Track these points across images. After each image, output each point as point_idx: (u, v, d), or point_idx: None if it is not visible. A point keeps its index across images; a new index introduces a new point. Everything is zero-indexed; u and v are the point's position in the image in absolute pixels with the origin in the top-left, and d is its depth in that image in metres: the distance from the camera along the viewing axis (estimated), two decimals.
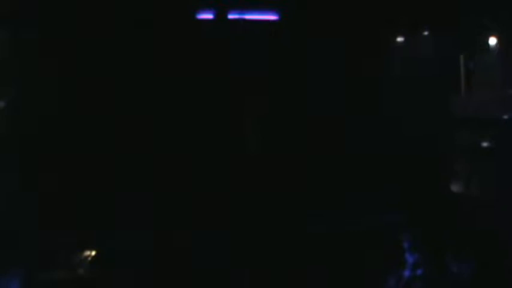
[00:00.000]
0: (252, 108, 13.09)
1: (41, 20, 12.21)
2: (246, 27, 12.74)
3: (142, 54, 12.53)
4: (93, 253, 11.17)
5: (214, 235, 11.33)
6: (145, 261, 10.91)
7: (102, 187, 12.10)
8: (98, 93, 12.38)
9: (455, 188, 12.78)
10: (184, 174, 12.36)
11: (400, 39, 13.90)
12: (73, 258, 11.10)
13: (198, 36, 12.63)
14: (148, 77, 12.57)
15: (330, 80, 13.08)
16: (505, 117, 12.53)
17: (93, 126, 12.44)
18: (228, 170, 12.56)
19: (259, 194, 12.23)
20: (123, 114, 12.45)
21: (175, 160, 12.43)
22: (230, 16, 12.73)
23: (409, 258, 10.27)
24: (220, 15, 12.66)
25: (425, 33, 13.72)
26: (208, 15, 12.81)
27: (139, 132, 12.48)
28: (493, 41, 13.20)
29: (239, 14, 12.75)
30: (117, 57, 12.43)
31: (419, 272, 10.06)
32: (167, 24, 12.51)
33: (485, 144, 12.82)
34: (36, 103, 12.25)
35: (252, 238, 11.34)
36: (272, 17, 13.02)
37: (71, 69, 12.36)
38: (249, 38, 12.75)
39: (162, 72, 12.59)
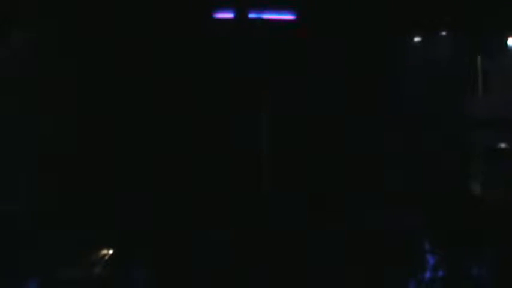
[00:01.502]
0: (267, 107, 13.05)
1: None
2: (263, 26, 12.69)
3: (159, 53, 12.53)
4: (111, 252, 11.17)
5: (234, 234, 11.31)
6: (163, 261, 10.91)
7: (120, 186, 12.11)
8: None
9: (473, 189, 12.73)
10: (203, 174, 12.37)
11: (417, 39, 13.82)
12: (90, 257, 11.10)
13: (215, 36, 12.61)
14: (165, 78, 12.56)
15: (347, 79, 13.03)
16: None
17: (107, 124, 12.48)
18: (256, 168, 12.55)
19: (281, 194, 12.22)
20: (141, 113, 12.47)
21: (194, 159, 12.44)
22: (249, 15, 12.69)
23: (430, 260, 10.24)
24: (240, 15, 12.61)
25: (443, 33, 13.64)
26: (226, 15, 12.77)
27: (155, 130, 12.50)
28: (511, 41, 13.20)
29: (257, 13, 12.71)
30: (134, 55, 12.43)
31: (440, 273, 10.02)
32: (184, 23, 12.49)
33: (503, 145, 12.80)
34: None
35: (272, 237, 11.32)
36: (290, 16, 12.97)
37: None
38: (266, 38, 12.70)
39: (178, 72, 12.58)
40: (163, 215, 11.89)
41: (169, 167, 12.41)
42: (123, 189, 12.11)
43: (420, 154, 12.93)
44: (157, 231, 11.57)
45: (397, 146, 12.96)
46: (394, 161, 12.81)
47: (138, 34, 12.41)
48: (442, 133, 13.11)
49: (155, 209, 11.94)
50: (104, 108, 12.49)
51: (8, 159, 11.96)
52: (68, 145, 12.34)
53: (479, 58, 13.39)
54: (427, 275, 10.01)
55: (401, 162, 12.81)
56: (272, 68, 12.77)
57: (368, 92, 13.13)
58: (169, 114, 12.58)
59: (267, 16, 12.74)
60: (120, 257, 11.13)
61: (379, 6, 12.77)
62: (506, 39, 13.22)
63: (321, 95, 13.00)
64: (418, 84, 13.37)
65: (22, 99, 12.20)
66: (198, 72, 12.60)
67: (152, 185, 12.25)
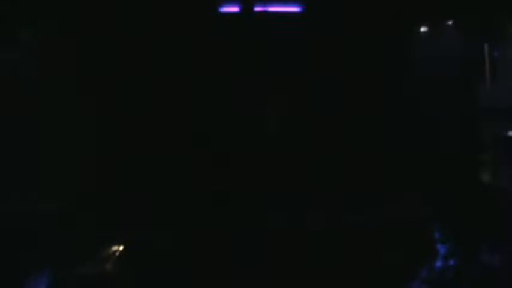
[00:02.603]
0: (277, 104, 13.05)
1: None
2: (269, 19, 12.68)
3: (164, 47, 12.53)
4: (121, 248, 11.18)
5: (251, 234, 11.31)
6: (173, 259, 10.93)
7: (130, 184, 12.15)
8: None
9: (483, 179, 12.71)
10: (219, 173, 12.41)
11: (424, 29, 13.78)
12: (100, 253, 11.12)
13: (221, 30, 12.61)
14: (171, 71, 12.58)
15: (354, 72, 13.01)
16: None
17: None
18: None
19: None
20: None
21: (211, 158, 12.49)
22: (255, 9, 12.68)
23: (441, 249, 10.23)
24: (246, 8, 12.60)
25: (449, 22, 13.60)
26: (232, 8, 12.76)
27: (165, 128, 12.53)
28: None
29: (262, 6, 12.70)
30: (135, 51, 12.45)
31: (451, 262, 10.00)
32: (191, 17, 12.49)
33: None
34: None
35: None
36: (295, 9, 12.95)
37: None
38: (272, 31, 12.68)
39: (183, 68, 12.58)
40: (167, 213, 11.91)
41: (171, 166, 12.46)
42: (125, 188, 12.17)
43: (431, 144, 12.92)
44: (160, 230, 11.60)
45: (408, 136, 12.95)
46: (404, 149, 12.80)
47: (144, 28, 12.43)
48: (452, 122, 13.10)
49: (157, 207, 11.97)
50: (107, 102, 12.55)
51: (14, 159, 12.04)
52: (78, 144, 12.42)
53: (486, 47, 13.37)
54: (439, 263, 10.00)
55: (412, 151, 12.78)
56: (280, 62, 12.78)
57: (375, 83, 13.13)
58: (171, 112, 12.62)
59: (272, 9, 12.76)
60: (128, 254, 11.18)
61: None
62: None
63: (328, 87, 13.00)
64: (425, 74, 13.36)
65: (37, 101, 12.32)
66: (204, 68, 12.61)
67: (155, 183, 12.30)
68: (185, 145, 12.60)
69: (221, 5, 12.64)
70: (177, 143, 12.58)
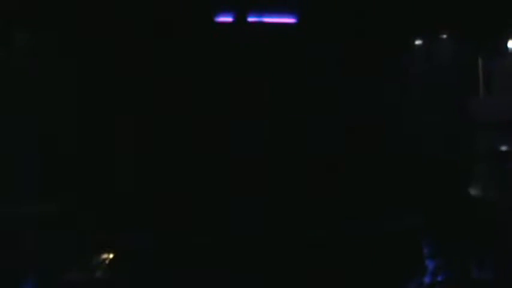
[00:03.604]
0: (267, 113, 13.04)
1: None
2: (264, 30, 12.68)
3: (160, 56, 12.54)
4: (112, 255, 11.16)
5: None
6: (163, 264, 10.90)
7: (121, 188, 12.14)
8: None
9: (474, 192, 12.70)
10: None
11: (418, 41, 13.80)
12: (91, 260, 11.10)
13: (216, 40, 12.60)
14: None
15: (348, 82, 13.01)
16: None
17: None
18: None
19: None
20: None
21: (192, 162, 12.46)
22: (249, 19, 12.67)
23: (430, 264, 10.22)
24: (240, 18, 12.60)
25: (443, 35, 13.62)
26: (226, 18, 12.76)
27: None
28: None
29: (257, 16, 12.70)
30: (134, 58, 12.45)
31: (440, 278, 9.99)
32: (185, 26, 12.50)
33: (504, 148, 12.77)
34: None
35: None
36: (290, 19, 12.95)
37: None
38: (267, 41, 12.69)
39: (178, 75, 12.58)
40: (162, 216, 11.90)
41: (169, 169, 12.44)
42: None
43: (422, 157, 12.90)
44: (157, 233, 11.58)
45: (398, 148, 12.93)
46: (394, 163, 12.77)
47: (139, 36, 12.43)
48: (445, 135, 13.09)
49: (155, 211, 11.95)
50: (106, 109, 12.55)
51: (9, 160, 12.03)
52: (69, 145, 12.40)
53: (480, 60, 13.38)
54: (427, 279, 9.99)
55: (402, 164, 12.76)
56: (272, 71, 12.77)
57: (368, 96, 13.13)
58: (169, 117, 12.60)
59: (267, 19, 12.75)
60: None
61: (380, 10, 12.77)
62: (507, 41, 13.21)
63: (320, 99, 12.99)
64: (420, 87, 13.36)
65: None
66: (199, 76, 12.60)
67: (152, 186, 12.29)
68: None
69: (217, 14, 12.64)
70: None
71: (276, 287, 10.41)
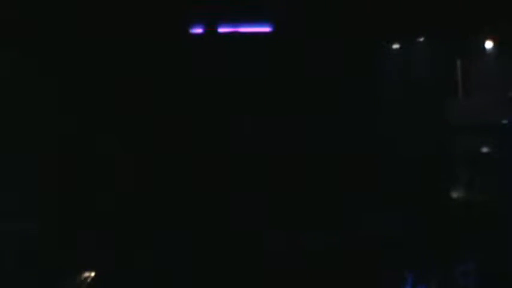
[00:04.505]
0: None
1: None
2: (239, 40, 12.64)
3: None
4: (93, 274, 11.13)
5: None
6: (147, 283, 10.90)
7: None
8: None
9: (455, 194, 12.71)
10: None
11: (395, 42, 13.79)
12: (72, 280, 11.06)
13: (191, 51, 12.56)
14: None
15: (328, 88, 12.99)
16: (504, 121, 12.50)
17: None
18: None
19: None
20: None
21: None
22: (223, 29, 12.63)
23: (409, 276, 10.20)
24: (211, 28, 12.56)
25: (421, 36, 13.61)
26: (198, 29, 12.72)
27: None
28: (489, 44, 13.19)
29: (232, 26, 12.66)
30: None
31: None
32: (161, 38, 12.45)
33: (484, 149, 12.77)
34: None
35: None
36: (266, 28, 12.92)
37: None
38: (242, 52, 12.65)
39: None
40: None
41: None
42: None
43: (400, 160, 12.88)
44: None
45: (378, 151, 12.91)
46: (372, 168, 12.75)
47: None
48: (423, 138, 13.08)
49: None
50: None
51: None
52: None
53: (458, 62, 13.38)
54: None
55: (379, 169, 12.74)
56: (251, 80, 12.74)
57: (348, 97, 13.10)
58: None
59: (242, 29, 12.71)
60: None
61: (357, 15, 12.77)
62: (484, 42, 13.22)
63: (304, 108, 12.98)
64: (398, 90, 13.36)
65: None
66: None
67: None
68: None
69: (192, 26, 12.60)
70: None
71: None
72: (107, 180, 12.33)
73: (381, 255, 10.74)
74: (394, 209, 12.01)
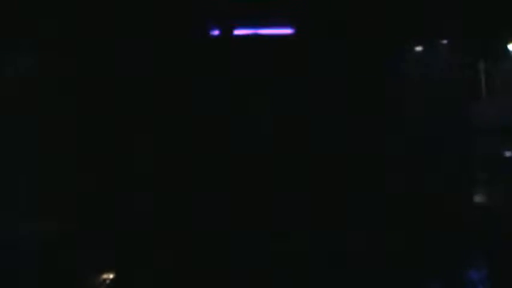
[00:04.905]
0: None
1: None
2: (259, 42, 12.64)
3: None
4: (112, 275, 11.19)
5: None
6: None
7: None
8: None
9: (477, 198, 12.60)
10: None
11: (419, 45, 13.72)
12: (91, 281, 11.13)
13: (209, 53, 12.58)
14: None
15: (347, 91, 12.95)
16: None
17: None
18: None
19: None
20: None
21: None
22: (242, 31, 12.63)
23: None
24: (227, 31, 12.58)
25: (444, 39, 13.53)
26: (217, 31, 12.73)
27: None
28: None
29: (252, 28, 12.66)
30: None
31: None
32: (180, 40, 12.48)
33: (507, 152, 12.66)
34: None
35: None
36: (287, 31, 12.90)
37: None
38: (262, 53, 12.63)
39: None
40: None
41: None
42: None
43: (422, 163, 12.80)
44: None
45: (398, 153, 12.83)
46: (390, 170, 12.67)
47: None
48: (445, 141, 12.99)
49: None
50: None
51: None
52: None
53: (481, 64, 13.28)
54: None
55: (399, 173, 12.66)
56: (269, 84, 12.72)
57: (369, 99, 13.04)
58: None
59: (263, 31, 12.70)
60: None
61: (378, 16, 12.72)
62: (508, 43, 13.12)
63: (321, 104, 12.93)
64: (420, 93, 13.27)
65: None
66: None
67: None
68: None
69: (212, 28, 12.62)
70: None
71: None
72: (128, 181, 12.37)
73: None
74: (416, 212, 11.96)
